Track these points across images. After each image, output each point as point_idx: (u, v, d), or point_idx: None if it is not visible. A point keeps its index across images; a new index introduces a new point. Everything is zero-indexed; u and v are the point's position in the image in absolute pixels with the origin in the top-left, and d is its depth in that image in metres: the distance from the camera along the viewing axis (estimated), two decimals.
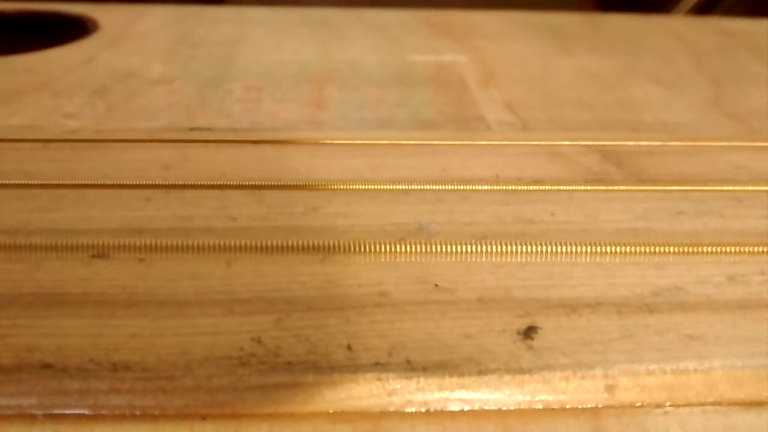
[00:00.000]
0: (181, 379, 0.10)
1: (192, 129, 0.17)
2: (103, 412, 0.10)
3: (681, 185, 0.14)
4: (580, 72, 0.22)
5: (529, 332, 0.11)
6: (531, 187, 0.14)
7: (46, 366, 0.10)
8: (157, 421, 0.10)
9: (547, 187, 0.14)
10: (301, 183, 0.14)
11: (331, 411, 0.10)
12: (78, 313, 0.11)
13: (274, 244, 0.12)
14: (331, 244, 0.12)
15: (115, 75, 0.21)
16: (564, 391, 0.10)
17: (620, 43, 0.25)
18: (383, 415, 0.10)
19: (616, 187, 0.14)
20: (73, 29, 0.26)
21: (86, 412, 0.10)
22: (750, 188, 0.14)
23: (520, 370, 0.10)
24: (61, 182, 0.14)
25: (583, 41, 0.25)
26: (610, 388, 0.10)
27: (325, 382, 0.10)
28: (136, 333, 0.11)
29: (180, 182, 0.14)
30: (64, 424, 0.10)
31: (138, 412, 0.10)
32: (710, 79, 0.22)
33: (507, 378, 0.10)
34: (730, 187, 0.14)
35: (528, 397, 0.10)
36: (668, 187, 0.14)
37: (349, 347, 0.10)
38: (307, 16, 0.27)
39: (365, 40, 0.25)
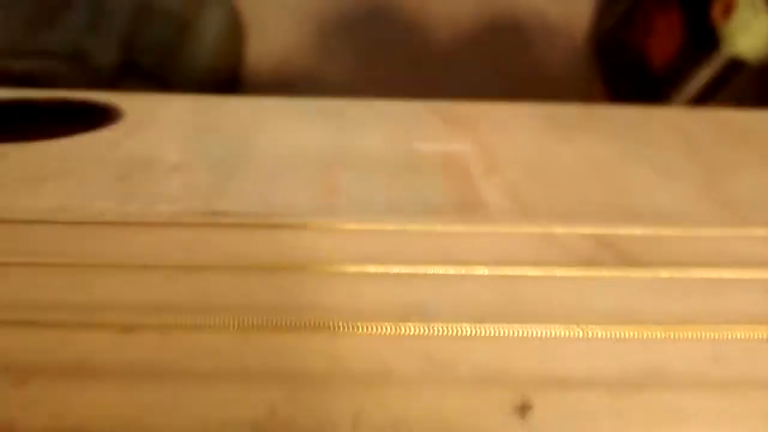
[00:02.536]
0: None
1: (212, 213, 0.18)
2: None
3: (670, 269, 0.15)
4: (578, 159, 0.23)
5: (524, 409, 0.12)
6: (528, 273, 0.15)
7: None
8: None
9: (541, 273, 0.15)
10: (312, 266, 0.15)
11: None
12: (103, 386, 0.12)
13: (286, 322, 0.13)
14: (340, 324, 0.13)
15: (138, 161, 0.22)
16: None
17: (618, 132, 0.27)
18: None
19: (607, 272, 0.15)
20: (100, 116, 0.28)
21: None
22: (735, 275, 0.15)
23: None
24: (89, 261, 0.15)
25: (583, 131, 0.26)
26: None
27: None
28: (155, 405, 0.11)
29: (199, 264, 0.15)
30: None
31: None
32: (703, 168, 0.23)
33: None
34: (717, 273, 0.15)
35: None
36: (657, 273, 0.15)
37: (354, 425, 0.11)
38: (323, 107, 0.29)
39: (377, 130, 0.26)
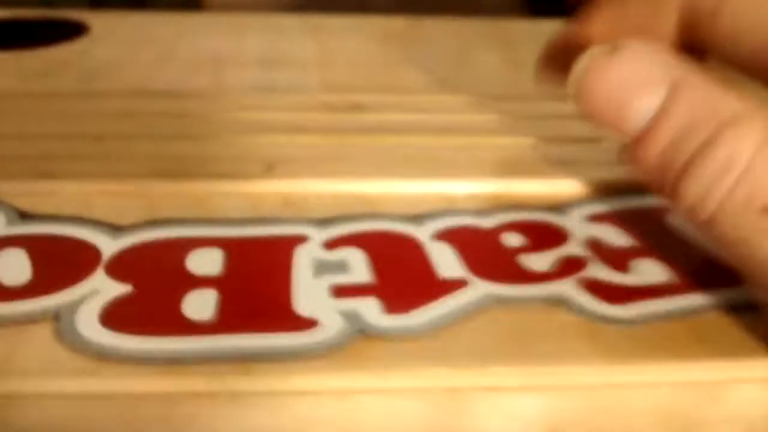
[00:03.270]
0: None
1: (144, 92, 0.31)
2: None
3: (376, 114, 0.29)
4: (380, 57, 0.37)
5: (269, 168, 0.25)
6: (305, 116, 0.29)
7: None
8: None
9: (308, 117, 0.29)
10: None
11: None
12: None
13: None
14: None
15: (102, 62, 0.35)
16: None
17: (420, 41, 0.40)
18: None
19: (341, 115, 0.29)
20: (74, 28, 0.40)
21: None
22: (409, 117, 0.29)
23: None
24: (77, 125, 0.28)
25: (394, 38, 0.40)
26: None
27: None
28: None
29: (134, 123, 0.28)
30: None
31: None
32: (456, 65, 0.36)
33: None
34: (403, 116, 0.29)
35: None
36: (368, 115, 0.29)
37: None
38: (230, 20, 0.42)
39: (258, 36, 0.39)
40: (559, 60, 0.24)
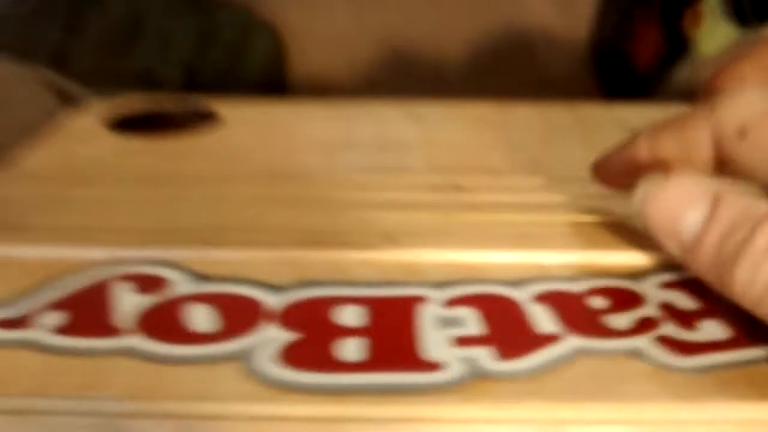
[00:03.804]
0: None
1: (270, 175, 0.37)
2: None
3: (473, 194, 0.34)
4: (477, 142, 0.42)
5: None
6: (415, 196, 0.34)
7: None
8: None
9: (416, 197, 0.34)
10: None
11: None
12: None
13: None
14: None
15: (230, 150, 0.41)
16: None
17: (508, 126, 0.45)
18: None
19: (442, 195, 0.34)
20: (204, 117, 0.47)
21: None
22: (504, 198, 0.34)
23: None
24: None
25: (488, 125, 0.45)
26: None
27: None
28: None
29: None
30: None
31: None
32: (543, 148, 0.42)
33: None
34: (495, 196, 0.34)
35: None
36: (466, 197, 0.34)
37: None
38: (333, 110, 0.48)
39: (366, 124, 0.45)
40: (610, 170, 0.31)
